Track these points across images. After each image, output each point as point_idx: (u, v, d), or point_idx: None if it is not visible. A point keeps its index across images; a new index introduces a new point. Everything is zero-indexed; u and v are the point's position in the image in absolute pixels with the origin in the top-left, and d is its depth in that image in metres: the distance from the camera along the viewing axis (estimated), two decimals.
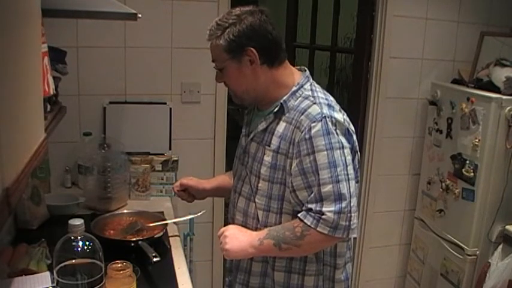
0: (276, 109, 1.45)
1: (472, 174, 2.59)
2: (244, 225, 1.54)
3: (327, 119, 1.37)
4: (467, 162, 2.62)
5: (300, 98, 1.45)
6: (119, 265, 1.44)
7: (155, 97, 2.59)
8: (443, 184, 2.81)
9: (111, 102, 2.52)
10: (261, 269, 1.55)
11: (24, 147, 1.08)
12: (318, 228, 1.35)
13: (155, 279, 1.68)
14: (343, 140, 1.40)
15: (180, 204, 2.55)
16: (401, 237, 3.23)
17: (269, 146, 1.45)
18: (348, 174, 1.38)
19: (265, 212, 1.49)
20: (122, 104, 2.54)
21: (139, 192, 2.40)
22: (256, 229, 1.50)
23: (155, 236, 1.88)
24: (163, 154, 2.56)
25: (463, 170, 2.65)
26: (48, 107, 1.54)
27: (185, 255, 1.98)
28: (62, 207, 2.18)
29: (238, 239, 1.46)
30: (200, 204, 1.96)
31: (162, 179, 2.49)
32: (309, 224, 1.36)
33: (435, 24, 2.93)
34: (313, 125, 1.36)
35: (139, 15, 1.77)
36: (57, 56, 1.88)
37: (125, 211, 2.14)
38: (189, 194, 1.87)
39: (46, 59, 1.43)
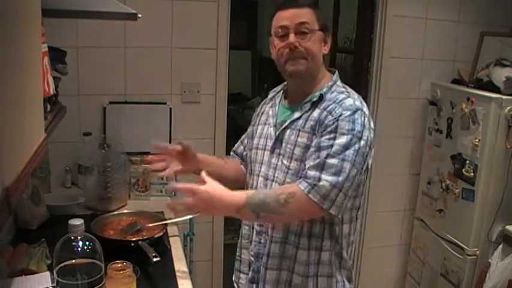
0: (315, 99, 1.54)
1: (472, 174, 2.59)
2: None
3: (358, 111, 1.47)
4: (467, 162, 2.62)
5: (335, 93, 1.55)
6: (119, 265, 1.44)
7: (155, 97, 2.58)
8: (443, 184, 2.81)
9: (111, 102, 2.52)
10: (279, 250, 1.56)
11: (24, 147, 1.08)
12: (309, 195, 1.40)
13: (155, 279, 1.68)
14: (365, 133, 1.47)
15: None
16: (402, 237, 3.23)
17: (303, 128, 1.53)
18: (354, 160, 1.44)
19: None
20: (122, 104, 2.54)
21: (139, 192, 2.40)
22: None
23: (155, 236, 1.88)
24: None
25: (463, 170, 2.65)
26: (48, 107, 1.54)
27: (185, 255, 1.98)
28: (62, 207, 2.18)
29: (214, 206, 1.45)
30: None
31: (162, 179, 2.48)
32: (302, 188, 1.41)
33: (435, 24, 2.93)
34: (344, 112, 1.47)
35: (139, 15, 1.77)
36: (57, 56, 1.88)
37: (125, 211, 2.15)
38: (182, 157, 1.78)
39: (46, 59, 1.43)
